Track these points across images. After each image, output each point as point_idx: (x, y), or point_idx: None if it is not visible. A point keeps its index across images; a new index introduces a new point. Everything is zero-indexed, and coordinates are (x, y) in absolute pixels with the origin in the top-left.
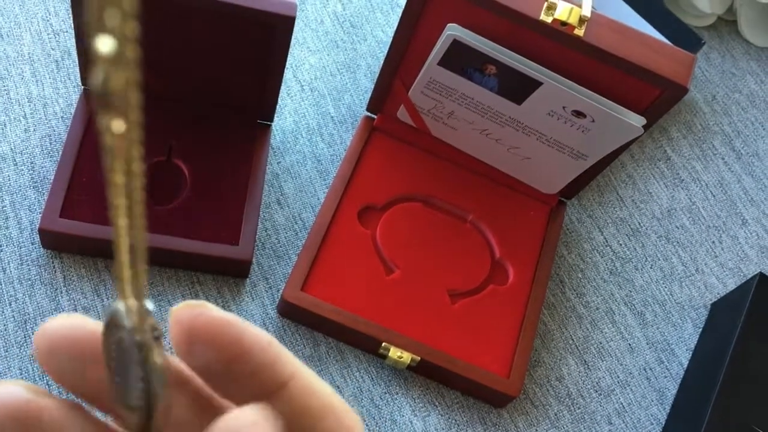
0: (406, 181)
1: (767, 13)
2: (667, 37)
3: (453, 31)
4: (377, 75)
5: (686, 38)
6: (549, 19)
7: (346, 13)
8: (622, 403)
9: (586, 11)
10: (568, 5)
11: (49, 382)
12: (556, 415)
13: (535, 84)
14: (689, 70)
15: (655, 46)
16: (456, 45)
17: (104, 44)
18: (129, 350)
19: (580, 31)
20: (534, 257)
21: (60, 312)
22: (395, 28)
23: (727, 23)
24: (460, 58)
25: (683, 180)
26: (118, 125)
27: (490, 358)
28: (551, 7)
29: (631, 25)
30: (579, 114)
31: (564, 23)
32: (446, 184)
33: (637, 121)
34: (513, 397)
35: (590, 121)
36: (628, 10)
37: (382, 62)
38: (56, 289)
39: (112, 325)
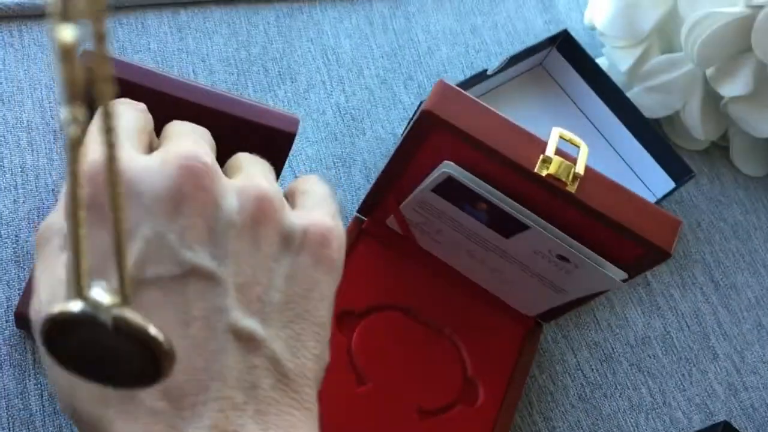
0: (388, 289)
1: (759, 143)
2: (659, 164)
3: (448, 168)
4: (372, 175)
5: (678, 167)
6: (543, 173)
7: (349, 106)
8: None
9: (580, 169)
10: (562, 161)
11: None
12: None
13: (523, 227)
14: (674, 236)
15: (644, 208)
16: (449, 180)
17: (65, 33)
18: None
19: (572, 188)
20: (506, 377)
21: (26, 397)
22: (393, 152)
23: (719, 149)
24: (452, 191)
25: (660, 307)
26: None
27: None
28: (546, 161)
29: (630, 152)
30: (563, 258)
31: (557, 178)
32: (427, 294)
33: (618, 275)
34: None
35: (573, 267)
36: (624, 131)
37: (377, 160)
38: (24, 372)
39: None
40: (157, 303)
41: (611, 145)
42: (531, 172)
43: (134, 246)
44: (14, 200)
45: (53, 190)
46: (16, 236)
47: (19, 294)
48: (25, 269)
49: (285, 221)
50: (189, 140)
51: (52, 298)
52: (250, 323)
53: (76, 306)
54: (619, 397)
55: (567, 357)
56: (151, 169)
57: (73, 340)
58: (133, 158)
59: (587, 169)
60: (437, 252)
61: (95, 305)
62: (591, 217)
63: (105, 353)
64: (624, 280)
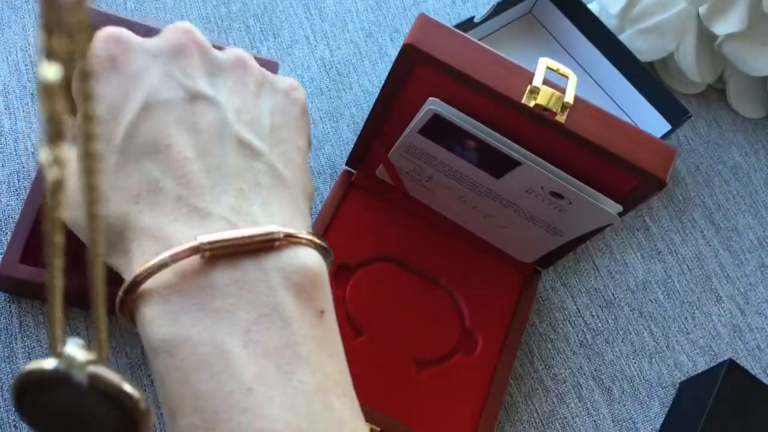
0: (381, 241)
1: (756, 84)
2: (654, 106)
3: (434, 105)
4: (359, 129)
5: (673, 109)
6: (531, 104)
7: (334, 60)
8: None
9: (569, 98)
10: (551, 91)
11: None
12: None
13: (514, 163)
14: (669, 164)
15: (636, 136)
16: (436, 118)
17: (48, 71)
18: None
19: (561, 118)
20: (504, 326)
21: (13, 360)
22: (377, 95)
23: (716, 92)
24: (439, 131)
25: (660, 252)
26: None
27: (454, 429)
28: (534, 92)
29: (623, 94)
30: (556, 195)
31: (546, 108)
32: (421, 245)
33: (613, 208)
34: None
35: (567, 203)
36: (617, 75)
37: (366, 114)
38: (11, 335)
39: None
40: (171, 119)
41: (605, 91)
42: (519, 104)
43: (147, 80)
44: None
45: (32, 153)
46: None
47: (1, 257)
48: (6, 233)
49: (261, 71)
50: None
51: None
52: (250, 136)
53: (50, 363)
54: (622, 342)
55: (567, 304)
56: (155, 38)
57: (49, 400)
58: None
59: (576, 98)
60: (429, 201)
61: (70, 362)
62: (582, 148)
63: (81, 414)
64: (620, 214)
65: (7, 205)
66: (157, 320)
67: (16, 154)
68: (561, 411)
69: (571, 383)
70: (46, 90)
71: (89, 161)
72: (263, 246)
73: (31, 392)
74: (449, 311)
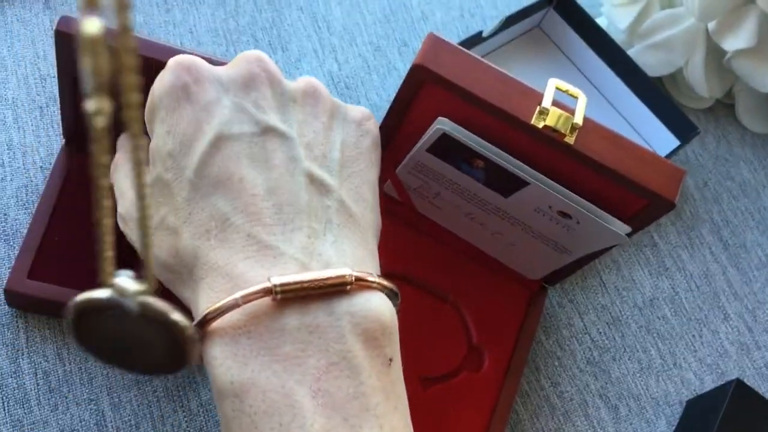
0: (388, 257)
1: (766, 99)
2: (663, 122)
3: (442, 125)
4: None
5: (682, 125)
6: (540, 125)
7: (342, 74)
8: None
9: (578, 119)
10: (560, 112)
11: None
12: None
13: (522, 183)
14: (678, 185)
15: (646, 158)
16: (444, 138)
17: (91, 25)
18: None
19: (570, 139)
20: (511, 343)
21: (20, 376)
22: (386, 110)
23: (725, 107)
24: (448, 150)
25: (668, 268)
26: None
27: None
28: (543, 113)
29: (632, 110)
30: (564, 215)
31: (555, 129)
32: (428, 261)
33: (622, 229)
34: None
35: (575, 223)
36: (626, 90)
37: None
38: (18, 351)
39: None
40: (242, 153)
41: (613, 106)
42: (528, 125)
43: (219, 112)
44: (1, 178)
45: (41, 167)
46: (5, 214)
47: (9, 272)
48: (14, 247)
49: (333, 100)
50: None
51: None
52: (321, 171)
53: (103, 293)
54: (629, 360)
55: (574, 321)
56: (226, 66)
57: (102, 327)
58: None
59: (586, 119)
60: (437, 217)
61: (122, 292)
62: (591, 169)
63: (133, 340)
64: (628, 235)
65: (15, 219)
66: (225, 362)
67: (24, 168)
68: (567, 429)
69: (577, 401)
70: (90, 44)
71: (137, 168)
72: (335, 290)
73: (85, 320)
74: (456, 328)
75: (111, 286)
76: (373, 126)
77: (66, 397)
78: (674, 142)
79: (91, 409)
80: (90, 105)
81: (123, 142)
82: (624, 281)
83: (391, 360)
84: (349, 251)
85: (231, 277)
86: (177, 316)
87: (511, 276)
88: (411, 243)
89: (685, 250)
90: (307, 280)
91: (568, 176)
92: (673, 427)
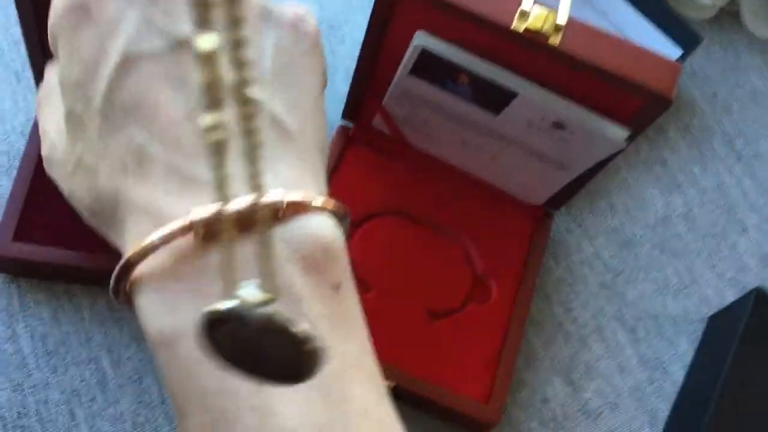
0: (384, 194)
1: None
2: (664, 33)
3: (421, 40)
4: None
5: (684, 35)
6: (522, 28)
7: (325, 14)
8: (610, 426)
9: (562, 19)
10: (542, 12)
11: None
12: None
13: (511, 94)
14: (674, 80)
15: (636, 54)
16: (425, 55)
17: (206, 41)
18: None
19: (555, 40)
20: (518, 272)
21: (16, 340)
22: (364, 36)
23: (729, 15)
24: (430, 69)
25: (680, 185)
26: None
27: (470, 382)
28: (524, 15)
29: (626, 20)
30: (558, 125)
31: (538, 32)
32: (426, 195)
33: (619, 134)
34: (492, 425)
35: (569, 134)
36: (622, 4)
37: None
38: (12, 316)
39: None
40: (155, 74)
41: (609, 20)
42: (508, 30)
43: (124, 28)
44: None
45: (21, 132)
46: None
47: None
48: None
49: (260, 2)
50: None
51: (57, 141)
52: None
53: (226, 304)
54: (643, 281)
55: (583, 246)
56: None
57: (229, 336)
58: None
59: (570, 19)
60: (431, 148)
61: (245, 303)
62: (580, 72)
63: (261, 350)
64: (627, 140)
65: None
66: (153, 310)
67: (4, 134)
68: (584, 355)
69: (592, 326)
70: (205, 59)
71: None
72: (268, 216)
73: (214, 329)
74: (460, 260)
75: (234, 297)
76: (311, 27)
77: (65, 359)
78: (676, 52)
79: (91, 369)
80: (207, 120)
81: (49, 75)
82: (634, 201)
83: (338, 285)
84: (283, 172)
85: (153, 215)
86: (299, 327)
87: (513, 204)
88: (406, 178)
89: (696, 164)
90: (233, 210)
91: (557, 83)
92: (695, 345)
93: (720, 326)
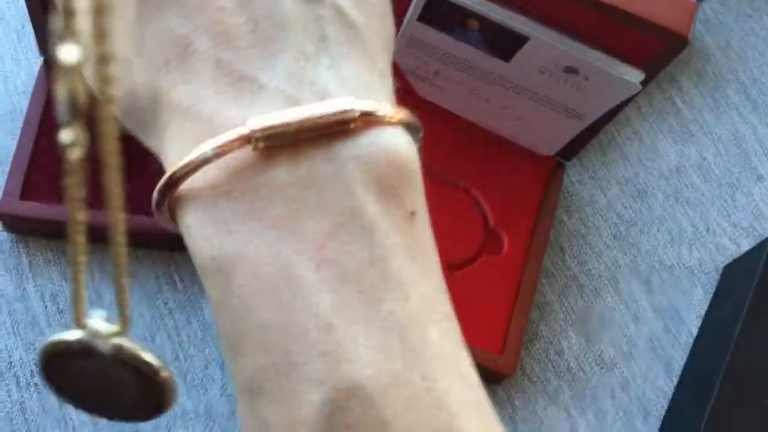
0: None
1: None
2: None
3: None
4: None
5: None
6: None
7: None
8: (626, 377)
9: None
10: None
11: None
12: (555, 390)
13: (522, 39)
14: (690, 18)
15: None
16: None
17: (68, 53)
18: None
19: None
20: (530, 224)
21: (27, 299)
22: None
23: None
24: (439, 14)
25: (693, 134)
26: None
27: (485, 334)
28: None
29: None
30: (571, 70)
31: None
32: (436, 148)
33: (634, 76)
34: (507, 376)
35: (583, 79)
36: None
37: None
38: (22, 275)
39: None
40: None
41: None
42: None
43: None
44: None
45: (23, 92)
46: None
47: (1, 195)
48: (2, 173)
49: None
50: None
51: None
52: None
53: (74, 335)
54: (657, 231)
55: (596, 197)
56: None
57: (73, 370)
58: None
59: None
60: (441, 101)
61: (94, 333)
62: (593, 12)
63: (106, 382)
64: (642, 83)
65: (3, 146)
66: (204, 232)
67: (6, 94)
68: (598, 306)
69: (606, 277)
70: (67, 72)
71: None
72: (335, 130)
73: (56, 361)
74: (471, 213)
75: (83, 326)
76: None
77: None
78: None
79: None
80: (65, 136)
81: None
82: (647, 151)
83: (413, 213)
84: (352, 76)
85: (200, 120)
86: (150, 358)
87: (524, 155)
88: None
89: (710, 112)
90: (296, 120)
91: (570, 26)
92: (710, 295)
93: (735, 275)
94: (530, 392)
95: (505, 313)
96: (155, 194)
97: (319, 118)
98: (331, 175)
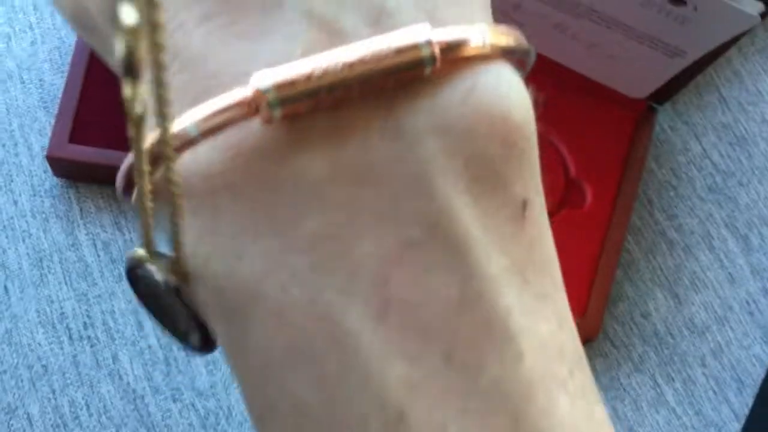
0: None
1: None
2: None
3: None
4: None
5: None
6: None
7: None
8: (718, 342)
9: None
10: None
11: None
12: (640, 356)
13: None
14: None
15: None
16: None
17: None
18: None
19: None
20: (617, 174)
21: (78, 248)
22: None
23: None
24: None
25: None
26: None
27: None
28: None
29: None
30: (677, 1)
31: None
32: None
33: (753, 7)
34: (589, 340)
35: (692, 10)
36: None
37: None
38: (73, 223)
39: None
40: None
41: None
42: None
43: None
44: (32, 42)
45: None
46: (40, 80)
47: (49, 138)
48: (52, 114)
49: None
50: None
51: None
52: None
53: (139, 253)
54: (758, 183)
55: (690, 145)
56: None
57: (142, 284)
58: None
59: None
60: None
61: (158, 266)
62: None
63: (163, 307)
64: (762, 15)
65: (52, 84)
66: (200, 250)
67: (54, 28)
68: (689, 265)
69: (699, 234)
70: (127, 31)
71: None
72: (401, 79)
73: (132, 272)
74: (550, 162)
75: (150, 255)
76: None
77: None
78: None
79: None
80: (127, 91)
81: None
82: (749, 95)
83: (525, 203)
84: None
85: (186, 64)
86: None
87: (611, 98)
88: None
89: None
90: (334, 68)
91: None
92: None
93: None
94: (612, 357)
95: (587, 272)
96: (118, 178)
97: (372, 60)
98: (396, 161)
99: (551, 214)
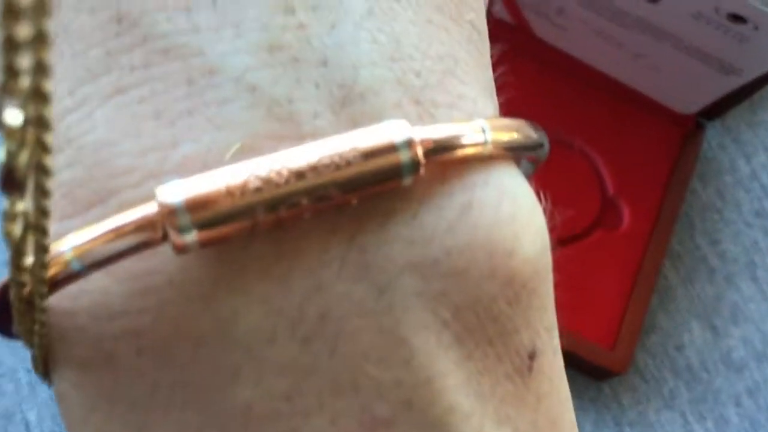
0: (501, 94)
1: None
2: None
3: None
4: None
5: None
6: None
7: None
8: (756, 381)
9: None
10: None
11: None
12: (671, 392)
13: None
14: None
15: None
16: None
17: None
18: None
19: None
20: (658, 194)
21: None
22: None
23: None
24: None
25: None
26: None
27: (594, 324)
28: None
29: None
30: (736, 18)
31: None
32: (551, 98)
33: None
34: (617, 374)
35: (752, 29)
36: None
37: None
38: None
39: None
40: None
41: None
42: None
43: None
44: None
45: None
46: None
47: None
48: None
49: None
50: None
51: None
52: None
53: None
54: None
55: (739, 164)
56: None
57: None
58: None
59: None
60: (561, 43)
61: None
62: None
63: None
64: None
65: None
66: (92, 418)
67: None
68: (730, 295)
69: (743, 262)
70: (8, 135)
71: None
72: (372, 192)
73: None
74: (587, 178)
75: None
76: None
77: None
78: None
79: None
80: (6, 206)
81: None
82: None
83: (532, 357)
84: (410, 41)
85: (82, 153)
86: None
87: (656, 111)
88: (528, 76)
89: None
90: (283, 172)
91: None
92: None
93: None
94: (641, 391)
95: (620, 299)
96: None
97: (331, 167)
98: (359, 309)
99: (584, 235)
